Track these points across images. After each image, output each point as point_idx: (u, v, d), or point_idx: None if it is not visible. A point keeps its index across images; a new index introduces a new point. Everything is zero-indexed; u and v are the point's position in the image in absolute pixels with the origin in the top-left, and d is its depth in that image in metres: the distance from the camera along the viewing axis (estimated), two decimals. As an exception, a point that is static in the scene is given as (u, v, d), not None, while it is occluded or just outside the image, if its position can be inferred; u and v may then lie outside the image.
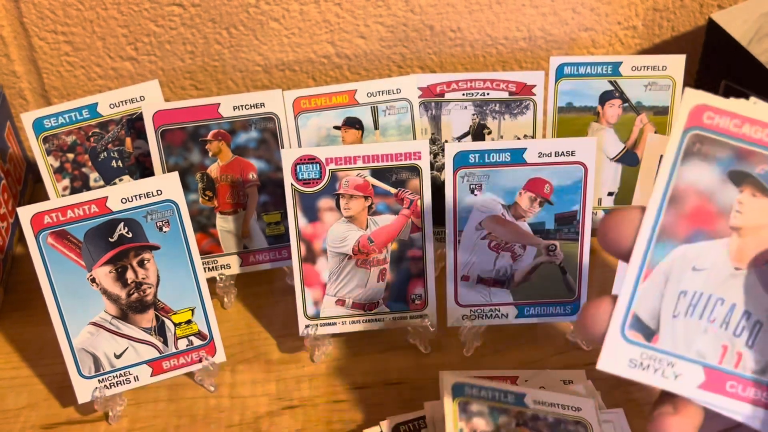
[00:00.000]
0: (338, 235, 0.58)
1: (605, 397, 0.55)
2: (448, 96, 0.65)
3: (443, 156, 0.58)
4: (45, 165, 0.63)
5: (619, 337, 0.33)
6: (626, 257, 0.34)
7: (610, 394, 0.56)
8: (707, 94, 0.33)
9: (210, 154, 0.63)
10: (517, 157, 0.57)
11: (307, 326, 0.59)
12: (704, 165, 0.33)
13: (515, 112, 0.65)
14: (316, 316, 0.59)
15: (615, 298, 0.34)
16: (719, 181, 0.33)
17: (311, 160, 0.57)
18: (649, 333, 0.33)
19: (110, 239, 0.55)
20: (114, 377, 0.56)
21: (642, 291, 0.33)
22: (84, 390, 0.56)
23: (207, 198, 0.64)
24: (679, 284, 0.33)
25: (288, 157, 0.57)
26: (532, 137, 0.65)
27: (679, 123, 0.33)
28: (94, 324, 0.56)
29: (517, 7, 0.73)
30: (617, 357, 0.33)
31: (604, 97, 0.66)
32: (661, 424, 0.33)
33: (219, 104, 0.62)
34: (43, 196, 0.63)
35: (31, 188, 0.75)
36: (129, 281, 0.56)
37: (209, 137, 0.62)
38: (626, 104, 0.66)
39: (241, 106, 0.62)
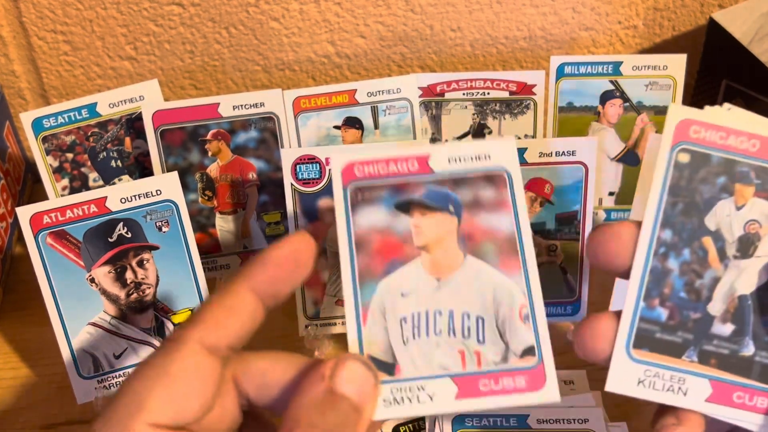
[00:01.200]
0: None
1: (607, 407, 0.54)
2: (448, 96, 0.64)
3: (443, 156, 0.58)
4: (44, 165, 0.63)
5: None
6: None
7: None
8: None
9: (209, 153, 0.63)
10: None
11: (307, 326, 0.59)
12: None
13: (515, 111, 0.65)
14: (316, 316, 0.59)
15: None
16: (389, 214, 0.35)
17: (311, 159, 0.57)
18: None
19: (109, 239, 0.55)
20: (113, 378, 0.56)
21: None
22: (83, 390, 0.56)
23: (206, 198, 0.64)
24: (395, 312, 0.34)
25: (288, 156, 0.57)
26: (533, 137, 0.65)
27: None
28: (94, 324, 0.56)
29: (517, 6, 0.73)
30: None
31: (605, 97, 0.66)
32: None
33: (218, 104, 0.62)
34: (42, 196, 0.63)
35: (30, 188, 0.75)
36: (128, 281, 0.55)
37: (209, 137, 0.62)
38: (627, 104, 0.66)
39: (241, 105, 0.62)
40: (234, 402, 0.33)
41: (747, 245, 0.33)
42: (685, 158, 0.33)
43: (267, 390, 0.33)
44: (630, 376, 0.34)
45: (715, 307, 0.33)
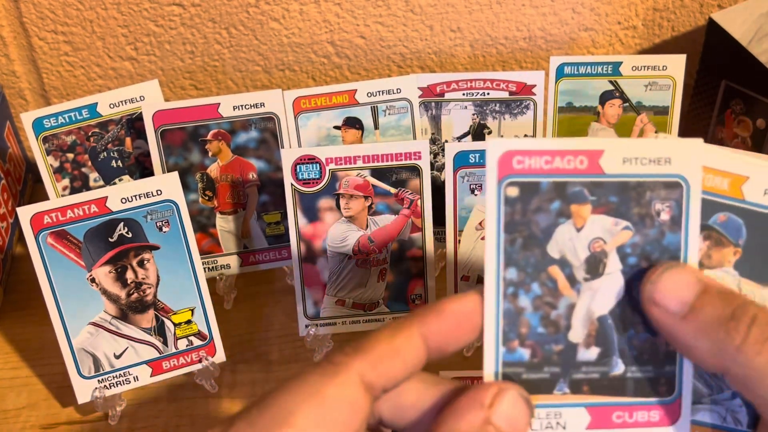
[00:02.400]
0: (338, 235, 0.58)
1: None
2: (448, 96, 0.65)
3: (443, 156, 0.58)
4: (45, 165, 0.63)
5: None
6: None
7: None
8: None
9: (210, 153, 0.63)
10: (517, 157, 0.56)
11: (307, 326, 0.59)
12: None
13: (515, 111, 0.65)
14: (316, 316, 0.59)
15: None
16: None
17: (311, 160, 0.57)
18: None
19: (110, 239, 0.55)
20: (114, 377, 0.56)
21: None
22: (84, 390, 0.56)
23: (207, 198, 0.64)
24: None
25: (288, 156, 0.57)
26: (533, 137, 0.65)
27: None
28: (94, 324, 0.56)
29: (517, 7, 0.73)
30: None
31: (605, 97, 0.66)
32: None
33: (219, 104, 0.62)
34: (43, 196, 0.63)
35: (30, 188, 0.75)
36: (129, 281, 0.56)
37: (209, 137, 0.62)
38: (626, 104, 0.66)
39: (241, 105, 0.62)
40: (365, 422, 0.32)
41: (595, 265, 0.32)
42: (513, 192, 0.32)
43: (402, 412, 0.32)
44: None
45: (577, 334, 0.32)
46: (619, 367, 0.33)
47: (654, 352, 0.32)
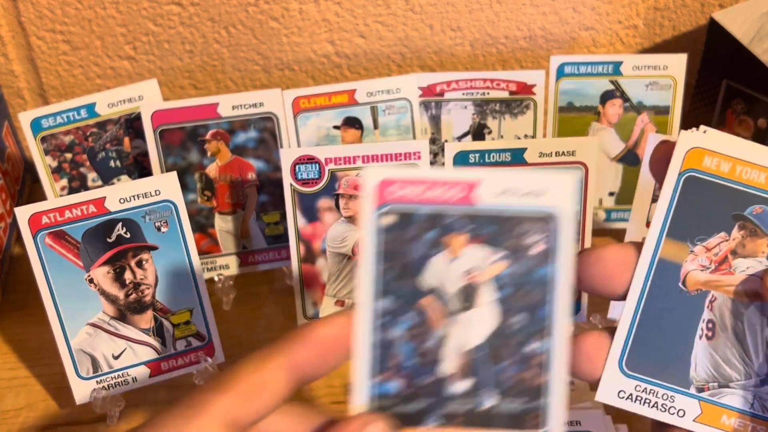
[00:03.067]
0: (338, 235, 0.58)
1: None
2: (448, 95, 0.64)
3: (443, 156, 0.58)
4: (43, 165, 0.63)
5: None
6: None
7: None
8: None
9: (209, 153, 0.63)
10: (517, 156, 0.56)
11: (306, 327, 0.59)
12: None
13: (515, 111, 0.65)
14: (316, 317, 0.59)
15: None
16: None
17: (310, 159, 0.57)
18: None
19: (108, 239, 0.55)
20: (112, 378, 0.56)
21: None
22: (82, 391, 0.56)
23: (206, 198, 0.63)
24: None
25: (287, 156, 0.57)
26: (533, 137, 0.65)
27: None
28: (92, 325, 0.55)
29: (517, 6, 0.73)
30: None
31: (605, 97, 0.66)
32: None
33: (218, 104, 0.62)
34: (41, 196, 0.63)
35: (28, 188, 0.75)
36: (127, 282, 0.55)
37: (208, 137, 0.62)
38: (627, 104, 0.66)
39: (240, 105, 0.62)
40: None
41: (469, 296, 0.32)
42: (389, 220, 0.31)
43: None
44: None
45: (447, 367, 0.32)
46: (491, 400, 0.32)
47: (526, 385, 0.32)
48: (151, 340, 0.57)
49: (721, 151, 0.33)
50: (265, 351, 0.31)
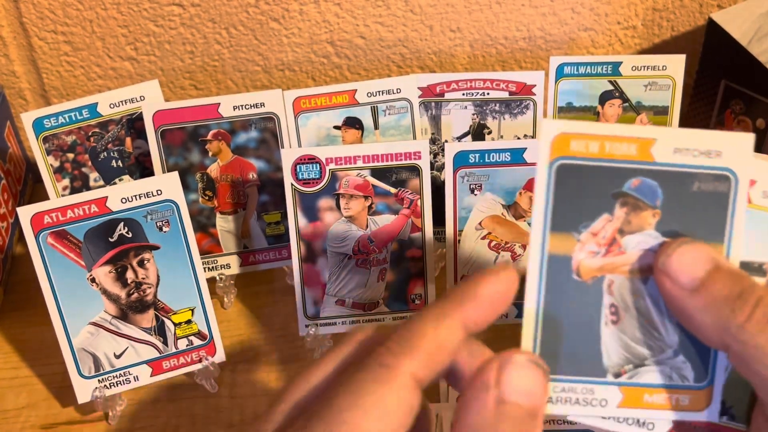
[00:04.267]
0: (338, 235, 0.58)
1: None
2: (448, 96, 0.65)
3: (443, 156, 0.58)
4: (45, 165, 0.63)
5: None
6: None
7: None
8: None
9: (210, 153, 0.63)
10: (517, 156, 0.57)
11: (307, 326, 0.59)
12: None
13: (515, 111, 0.65)
14: (316, 316, 0.59)
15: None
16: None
17: (311, 159, 0.57)
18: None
19: (110, 239, 0.55)
20: (114, 377, 0.56)
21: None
22: (84, 390, 0.56)
23: (207, 198, 0.64)
24: None
25: (288, 156, 0.57)
26: (532, 137, 0.65)
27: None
28: (94, 324, 0.56)
29: (516, 7, 0.73)
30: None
31: (604, 97, 0.66)
32: None
33: (219, 104, 0.62)
34: (43, 196, 0.63)
35: (31, 188, 0.75)
36: (129, 281, 0.56)
37: (209, 137, 0.62)
38: (626, 104, 0.66)
39: (241, 106, 0.62)
40: None
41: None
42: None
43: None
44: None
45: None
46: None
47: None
48: (152, 339, 0.57)
49: (586, 131, 0.32)
50: (439, 308, 0.31)
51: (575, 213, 0.32)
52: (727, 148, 0.32)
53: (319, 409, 0.29)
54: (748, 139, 0.32)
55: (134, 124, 0.64)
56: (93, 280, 0.55)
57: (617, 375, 0.33)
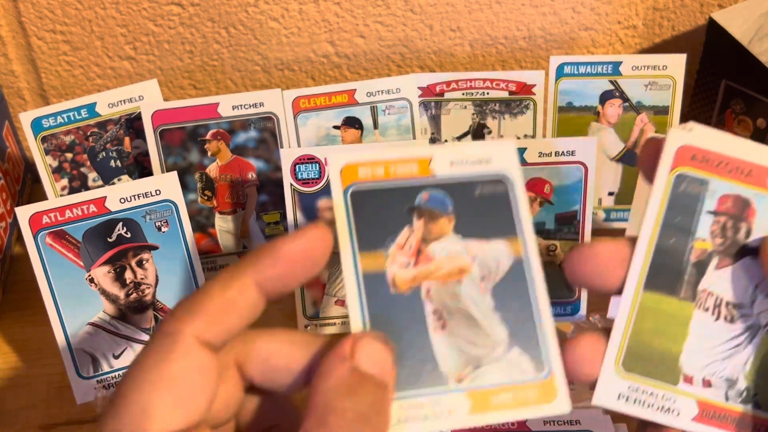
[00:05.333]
0: (338, 235, 0.58)
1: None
2: (447, 95, 0.64)
3: (443, 156, 0.58)
4: (43, 165, 0.63)
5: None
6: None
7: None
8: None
9: (209, 153, 0.63)
10: (517, 156, 0.56)
11: (306, 326, 0.59)
12: None
13: (515, 111, 0.65)
14: (316, 317, 0.59)
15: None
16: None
17: (310, 159, 0.57)
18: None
19: (109, 239, 0.55)
20: (113, 378, 0.56)
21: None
22: (83, 390, 0.56)
23: (206, 198, 0.64)
24: None
25: (287, 156, 0.57)
26: (532, 137, 0.65)
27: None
28: (93, 324, 0.56)
29: (516, 6, 0.73)
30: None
31: (605, 97, 0.66)
32: None
33: (218, 104, 0.62)
34: (42, 196, 0.63)
35: (29, 188, 0.75)
36: (128, 281, 0.55)
37: (208, 137, 0.62)
38: (626, 104, 0.66)
39: (240, 105, 0.62)
40: (238, 386, 0.32)
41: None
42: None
43: (273, 374, 0.32)
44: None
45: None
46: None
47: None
48: (151, 339, 0.57)
49: (369, 159, 0.34)
50: (232, 268, 0.31)
51: (379, 231, 0.33)
52: (495, 155, 0.34)
53: (113, 399, 0.29)
54: (511, 145, 0.35)
55: (133, 123, 0.64)
56: (91, 281, 0.55)
57: (460, 380, 0.32)
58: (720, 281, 0.34)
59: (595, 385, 0.34)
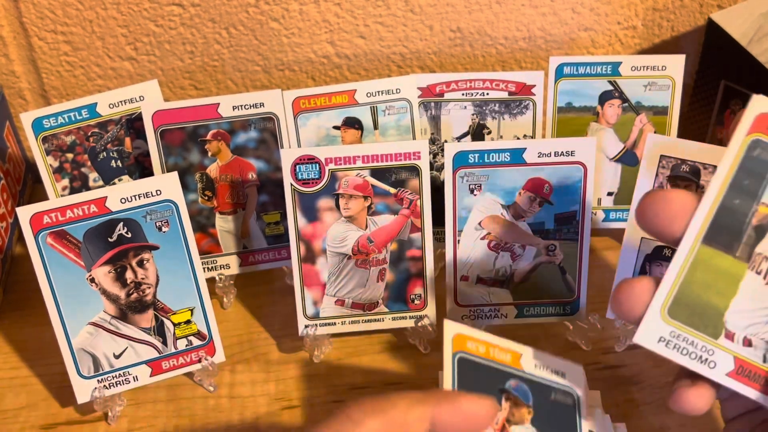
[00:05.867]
0: (338, 235, 0.58)
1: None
2: (447, 96, 0.65)
3: (443, 156, 0.58)
4: (44, 165, 0.63)
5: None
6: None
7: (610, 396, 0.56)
8: None
9: (209, 153, 0.63)
10: (516, 157, 0.57)
11: (306, 326, 0.59)
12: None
13: (515, 112, 0.65)
14: (316, 316, 0.59)
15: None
16: None
17: (311, 160, 0.57)
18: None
19: (109, 239, 0.55)
20: (113, 377, 0.56)
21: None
22: (83, 390, 0.56)
23: (206, 198, 0.64)
24: None
25: (287, 157, 0.57)
26: (532, 137, 0.65)
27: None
28: (94, 324, 0.56)
29: (516, 7, 0.73)
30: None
31: (604, 97, 0.66)
32: (680, 396, 0.35)
33: (218, 104, 0.62)
34: (43, 196, 0.63)
35: (30, 188, 0.75)
36: (128, 281, 0.56)
37: (208, 137, 0.62)
38: (626, 104, 0.66)
39: (241, 106, 0.62)
40: None
41: None
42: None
43: None
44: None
45: None
46: None
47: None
48: (152, 339, 0.57)
49: (476, 336, 0.38)
50: (421, 395, 0.34)
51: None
52: (568, 373, 0.39)
53: None
54: (580, 369, 0.39)
55: (134, 124, 0.64)
56: (92, 280, 0.55)
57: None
58: None
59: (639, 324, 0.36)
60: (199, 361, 0.58)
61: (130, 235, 0.55)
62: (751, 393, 0.35)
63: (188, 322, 0.57)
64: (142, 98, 0.64)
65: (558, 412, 0.39)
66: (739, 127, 0.35)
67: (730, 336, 0.35)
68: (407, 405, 0.33)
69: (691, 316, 0.35)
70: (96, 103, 0.63)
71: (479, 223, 0.58)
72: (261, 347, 0.62)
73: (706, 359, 0.35)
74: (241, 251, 0.64)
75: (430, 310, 0.60)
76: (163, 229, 0.56)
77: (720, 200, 0.35)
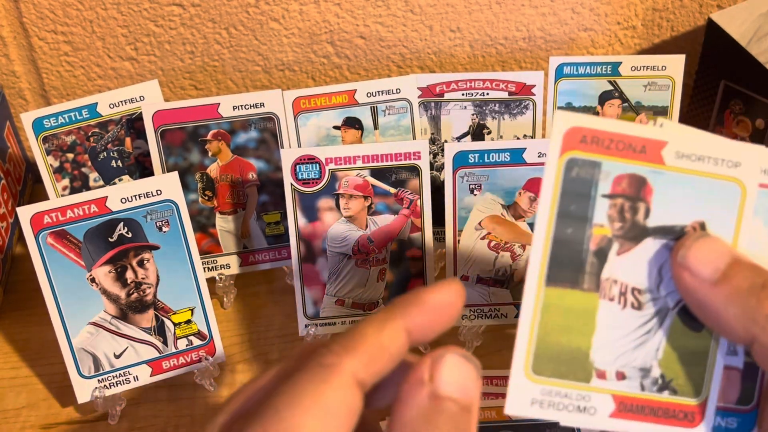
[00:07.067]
0: (338, 235, 0.58)
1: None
2: (447, 96, 0.65)
3: (443, 156, 0.58)
4: (44, 165, 0.63)
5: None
6: None
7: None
8: None
9: (210, 153, 0.63)
10: (516, 157, 0.57)
11: (306, 326, 0.59)
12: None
13: (515, 112, 0.65)
14: (316, 316, 0.59)
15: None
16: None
17: (311, 160, 0.57)
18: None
19: (110, 239, 0.55)
20: (114, 377, 0.56)
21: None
22: (83, 390, 0.56)
23: (207, 198, 0.64)
24: None
25: (288, 156, 0.57)
26: (532, 137, 0.65)
27: None
28: (94, 324, 0.56)
29: (516, 7, 0.73)
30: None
31: (604, 97, 0.66)
32: None
33: (219, 104, 0.62)
34: (43, 196, 0.63)
35: (30, 188, 0.75)
36: (128, 281, 0.56)
37: (209, 137, 0.63)
38: (626, 104, 0.66)
39: (241, 106, 0.62)
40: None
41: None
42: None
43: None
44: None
45: None
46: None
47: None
48: (152, 339, 0.57)
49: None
50: (384, 312, 0.31)
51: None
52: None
53: (257, 411, 0.28)
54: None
55: (134, 124, 0.64)
56: (93, 280, 0.55)
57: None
58: (623, 267, 0.33)
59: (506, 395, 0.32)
60: (200, 360, 0.58)
61: (130, 235, 0.55)
62: (640, 427, 0.33)
63: (188, 321, 0.57)
64: (142, 98, 0.64)
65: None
66: (549, 150, 0.32)
67: (601, 375, 0.33)
68: (377, 329, 0.30)
69: (557, 367, 0.32)
70: (96, 103, 0.63)
71: (479, 223, 0.58)
72: (261, 347, 0.62)
73: (585, 407, 0.32)
74: (242, 251, 0.65)
75: (430, 310, 0.60)
76: (164, 229, 0.56)
77: (551, 234, 0.32)
